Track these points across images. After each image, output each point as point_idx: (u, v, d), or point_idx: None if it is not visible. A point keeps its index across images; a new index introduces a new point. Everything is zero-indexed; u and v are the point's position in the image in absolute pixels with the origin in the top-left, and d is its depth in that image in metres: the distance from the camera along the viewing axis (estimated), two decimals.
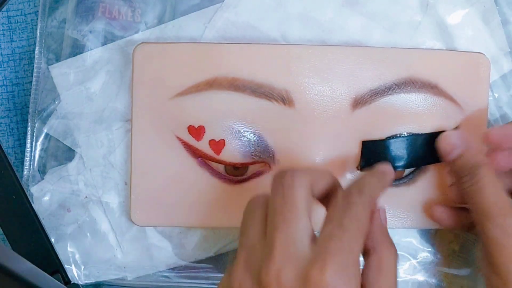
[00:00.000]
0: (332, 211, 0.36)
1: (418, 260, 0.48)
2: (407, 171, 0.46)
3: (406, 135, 0.44)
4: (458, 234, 0.48)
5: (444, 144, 0.43)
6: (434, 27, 0.47)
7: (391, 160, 0.44)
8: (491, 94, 0.48)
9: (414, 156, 0.44)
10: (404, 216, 0.46)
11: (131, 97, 0.45)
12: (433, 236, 0.48)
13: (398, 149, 0.44)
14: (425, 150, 0.45)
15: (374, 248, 0.37)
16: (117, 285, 0.48)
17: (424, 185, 0.46)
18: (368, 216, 0.36)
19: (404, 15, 0.47)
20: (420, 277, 0.48)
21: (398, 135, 0.44)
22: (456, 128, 0.45)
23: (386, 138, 0.44)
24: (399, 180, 0.46)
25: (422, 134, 0.44)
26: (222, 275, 0.47)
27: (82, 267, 0.47)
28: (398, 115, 0.44)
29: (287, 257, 0.33)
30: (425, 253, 0.48)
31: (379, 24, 0.47)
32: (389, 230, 0.47)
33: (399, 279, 0.48)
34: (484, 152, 0.42)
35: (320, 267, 0.32)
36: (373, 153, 0.44)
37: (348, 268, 0.33)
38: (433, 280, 0.48)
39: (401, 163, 0.44)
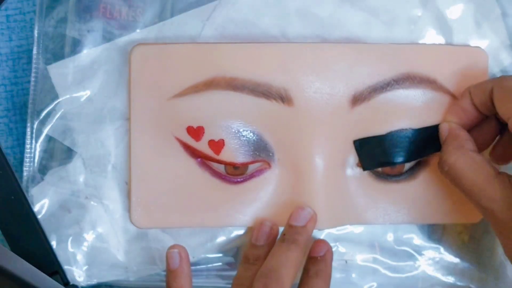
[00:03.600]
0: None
1: (421, 256, 0.48)
2: (407, 166, 0.46)
3: (403, 129, 0.44)
4: (467, 225, 0.48)
5: None
6: (433, 21, 0.47)
7: (390, 155, 0.44)
8: None
9: (412, 149, 0.44)
10: (406, 211, 0.46)
11: (128, 99, 0.45)
12: (437, 230, 0.48)
13: (395, 143, 0.44)
14: (422, 142, 0.45)
15: None
16: (119, 286, 0.48)
17: (425, 180, 0.46)
18: None
19: (404, 10, 0.47)
20: (423, 273, 0.48)
21: (397, 131, 0.44)
22: None
23: (381, 134, 0.44)
24: (399, 175, 0.46)
25: (419, 129, 0.44)
26: (223, 274, 0.47)
27: (84, 268, 0.47)
28: (397, 111, 0.44)
29: None
30: (428, 248, 0.48)
31: (379, 19, 0.46)
32: (392, 226, 0.47)
33: (403, 275, 0.48)
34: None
35: None
36: (370, 150, 0.45)
37: None
38: (438, 275, 0.48)
39: (399, 158, 0.44)
